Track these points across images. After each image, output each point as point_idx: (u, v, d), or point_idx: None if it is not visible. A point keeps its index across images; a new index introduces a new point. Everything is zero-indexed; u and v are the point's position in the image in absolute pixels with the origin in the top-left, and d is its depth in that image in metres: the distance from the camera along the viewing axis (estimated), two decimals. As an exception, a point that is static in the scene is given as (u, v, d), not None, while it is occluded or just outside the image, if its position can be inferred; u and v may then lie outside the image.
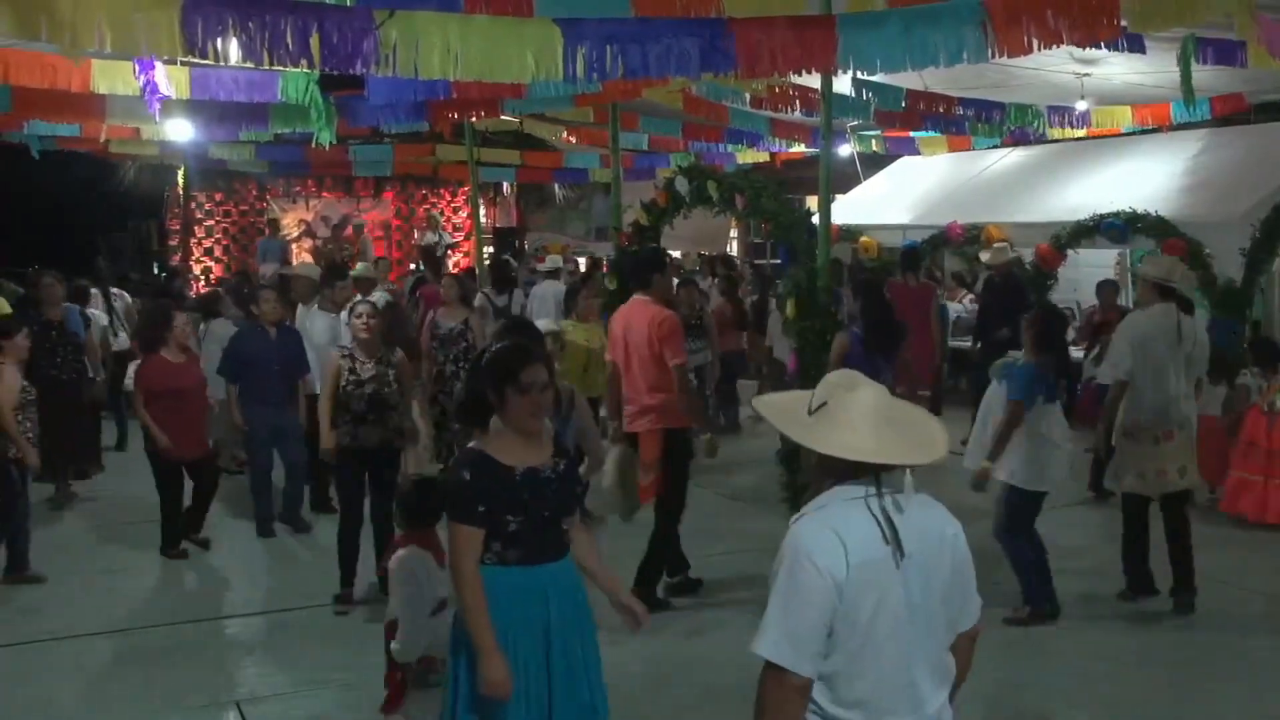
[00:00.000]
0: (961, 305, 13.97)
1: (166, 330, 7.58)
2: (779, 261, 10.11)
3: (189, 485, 7.78)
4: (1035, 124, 11.25)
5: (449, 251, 18.83)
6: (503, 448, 3.61)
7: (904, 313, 10.81)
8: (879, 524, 2.54)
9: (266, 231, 19.06)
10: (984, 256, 11.86)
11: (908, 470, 2.62)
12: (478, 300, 11.14)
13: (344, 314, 8.54)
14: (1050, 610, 6.32)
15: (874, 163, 16.13)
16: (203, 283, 18.14)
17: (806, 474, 2.68)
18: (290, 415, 8.16)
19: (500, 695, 3.46)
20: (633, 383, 6.51)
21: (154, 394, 7.45)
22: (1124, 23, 5.47)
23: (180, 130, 10.18)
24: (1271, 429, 8.03)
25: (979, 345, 11.02)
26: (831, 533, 2.52)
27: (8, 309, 6.83)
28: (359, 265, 13.09)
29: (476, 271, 13.75)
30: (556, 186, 21.67)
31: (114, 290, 11.84)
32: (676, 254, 17.49)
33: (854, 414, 2.60)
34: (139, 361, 8.10)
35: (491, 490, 3.52)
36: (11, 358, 7.00)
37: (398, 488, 4.86)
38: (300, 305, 9.21)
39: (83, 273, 12.81)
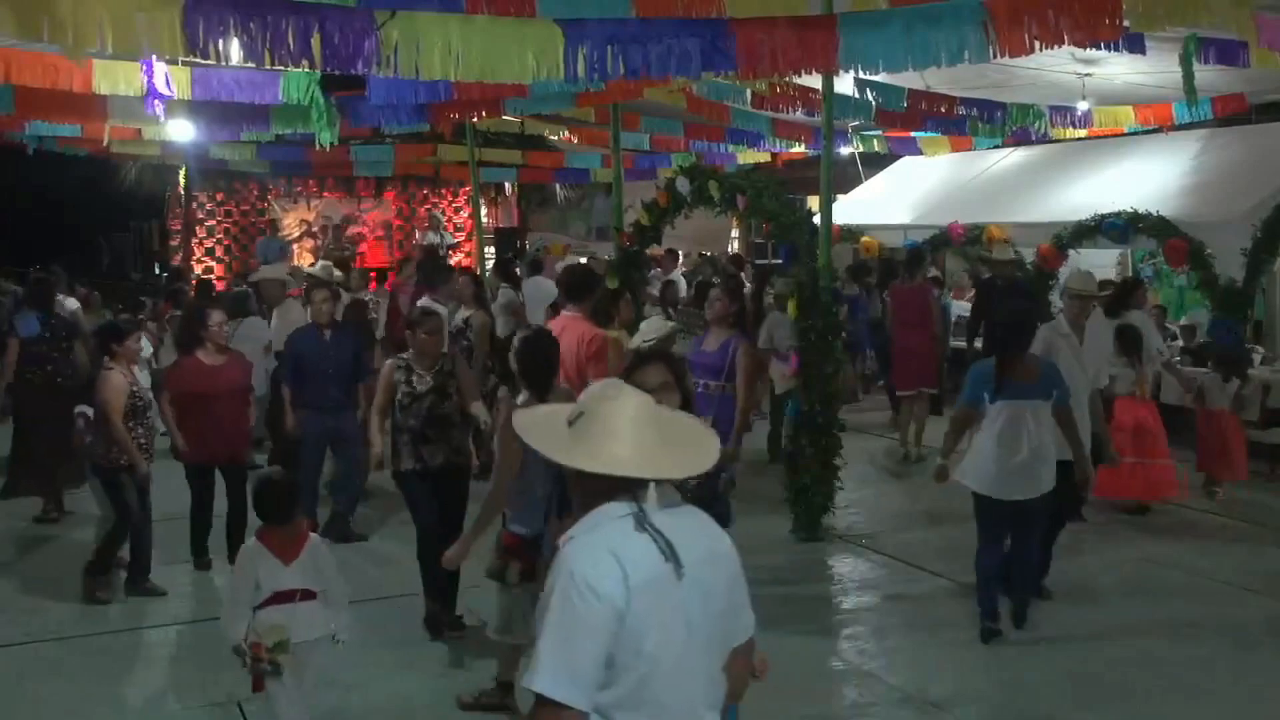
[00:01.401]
0: (968, 304, 13.97)
1: (201, 330, 7.30)
2: (780, 261, 10.12)
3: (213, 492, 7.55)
4: (1037, 124, 11.24)
5: (450, 251, 18.84)
6: None
7: (902, 312, 11.01)
8: (654, 540, 2.40)
9: (267, 232, 19.10)
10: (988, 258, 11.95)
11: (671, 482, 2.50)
12: (503, 296, 11.32)
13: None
14: (983, 630, 6.01)
15: (875, 163, 16.13)
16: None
17: (570, 490, 2.55)
18: (348, 421, 7.85)
19: None
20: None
21: (183, 395, 7.20)
22: (1126, 23, 5.46)
23: (182, 130, 10.18)
24: (1143, 409, 8.30)
25: (973, 346, 11.08)
26: (608, 554, 2.35)
27: None
28: (319, 264, 13.12)
29: (479, 271, 13.77)
30: (558, 186, 21.67)
31: (58, 296, 11.69)
32: (681, 253, 17.55)
33: (615, 424, 2.45)
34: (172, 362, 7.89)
35: None
36: (123, 362, 6.83)
37: (256, 483, 4.99)
38: (275, 309, 9.23)
39: (81, 273, 12.76)
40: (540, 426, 2.59)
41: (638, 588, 2.34)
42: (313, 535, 4.71)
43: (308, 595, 4.54)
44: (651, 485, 2.44)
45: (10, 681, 5.75)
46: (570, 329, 6.29)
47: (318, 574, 4.59)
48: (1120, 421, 8.17)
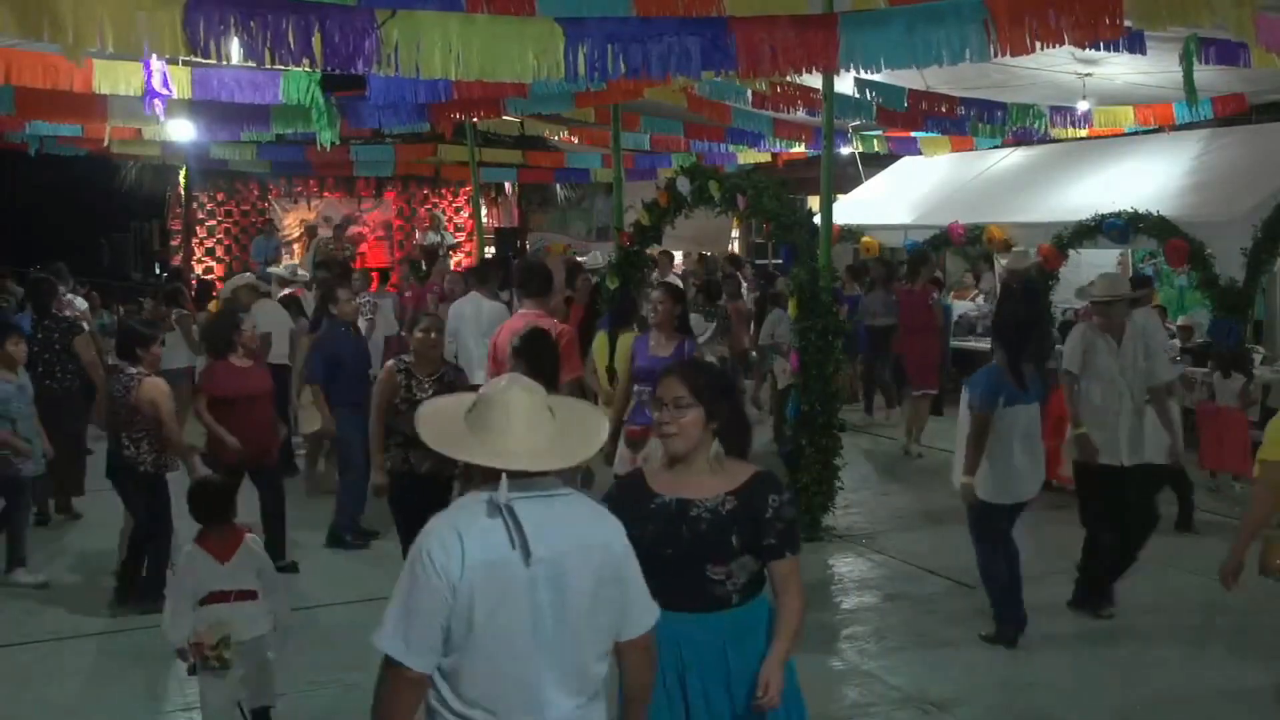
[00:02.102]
0: (974, 305, 13.97)
1: (235, 334, 7.25)
2: (780, 261, 10.14)
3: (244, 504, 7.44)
4: (1037, 124, 11.25)
5: (450, 252, 18.84)
6: (665, 471, 3.32)
7: (904, 315, 11.01)
8: (506, 525, 2.54)
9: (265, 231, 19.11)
10: (1004, 262, 11.88)
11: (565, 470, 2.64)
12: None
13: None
14: (1007, 633, 5.95)
15: (875, 163, 16.14)
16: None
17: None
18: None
19: None
20: None
21: (215, 400, 7.10)
22: (1127, 22, 5.46)
23: (182, 130, 10.19)
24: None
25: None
26: (453, 531, 2.53)
27: None
28: (281, 266, 13.12)
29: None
30: (558, 186, 21.69)
31: (67, 296, 11.65)
32: (679, 254, 17.55)
33: (501, 418, 2.61)
34: (204, 366, 7.73)
35: (619, 511, 3.02)
36: (150, 368, 6.71)
37: (191, 485, 5.10)
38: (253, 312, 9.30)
39: (81, 273, 12.76)
40: (436, 420, 2.73)
41: (474, 566, 2.50)
42: (247, 535, 4.79)
43: (244, 595, 4.62)
44: (504, 474, 2.56)
45: (10, 682, 5.74)
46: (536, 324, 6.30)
47: (254, 573, 4.68)
48: (1052, 410, 7.97)
